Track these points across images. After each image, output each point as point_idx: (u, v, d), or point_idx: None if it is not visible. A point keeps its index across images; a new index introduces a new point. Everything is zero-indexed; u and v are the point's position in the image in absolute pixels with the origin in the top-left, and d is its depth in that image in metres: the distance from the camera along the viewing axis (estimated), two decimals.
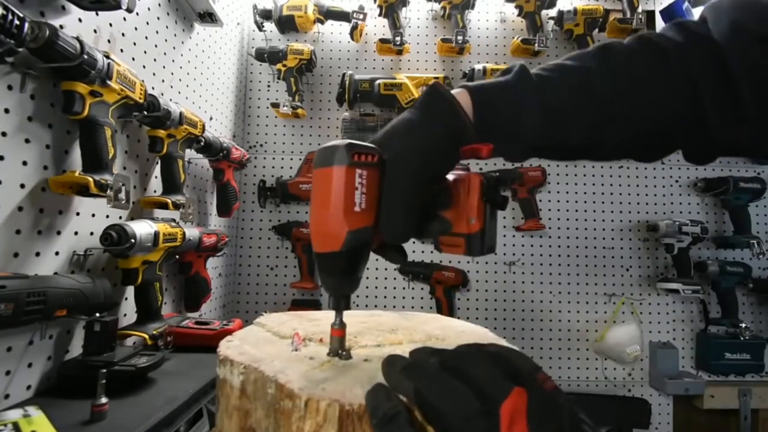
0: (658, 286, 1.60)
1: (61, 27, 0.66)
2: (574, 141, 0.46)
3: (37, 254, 0.66)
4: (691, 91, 0.43)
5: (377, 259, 1.59)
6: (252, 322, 0.52)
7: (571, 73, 0.46)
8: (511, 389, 0.23)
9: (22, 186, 0.63)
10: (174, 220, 0.92)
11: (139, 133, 0.93)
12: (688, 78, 0.43)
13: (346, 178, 0.35)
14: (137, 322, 0.86)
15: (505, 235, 1.65)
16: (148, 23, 0.97)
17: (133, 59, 0.91)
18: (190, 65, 1.19)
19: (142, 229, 0.77)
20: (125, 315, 0.87)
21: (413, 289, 1.62)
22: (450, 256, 1.60)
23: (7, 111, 0.60)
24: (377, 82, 1.55)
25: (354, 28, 1.58)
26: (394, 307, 1.61)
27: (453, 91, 0.43)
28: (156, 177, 1.00)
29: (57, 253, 0.70)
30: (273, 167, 1.67)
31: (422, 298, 1.62)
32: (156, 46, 1.00)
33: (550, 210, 1.66)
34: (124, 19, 0.87)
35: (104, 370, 0.58)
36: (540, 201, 1.64)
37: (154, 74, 1.00)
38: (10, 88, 0.61)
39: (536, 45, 1.60)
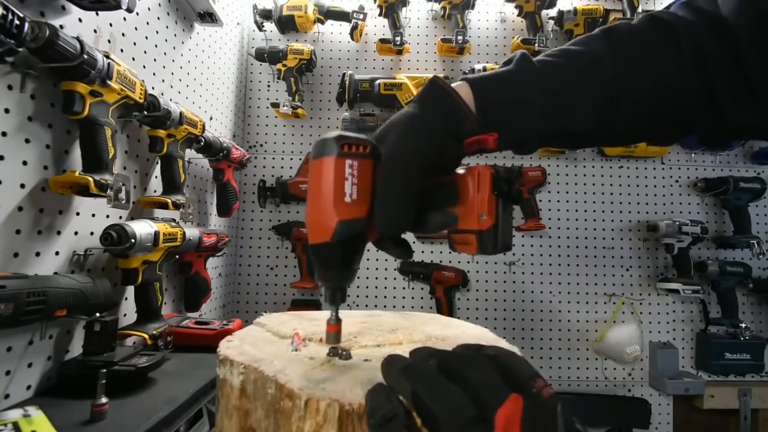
0: (658, 286, 1.60)
1: (61, 27, 0.66)
2: (583, 126, 0.44)
3: (37, 254, 0.66)
4: (702, 69, 0.42)
5: (377, 259, 1.60)
6: (252, 322, 0.52)
7: (576, 57, 0.45)
8: (507, 395, 0.23)
9: (22, 186, 0.63)
10: (174, 220, 0.92)
11: (139, 133, 0.93)
12: (698, 55, 0.42)
13: (335, 168, 0.35)
14: (137, 322, 0.86)
15: None
16: (148, 23, 0.97)
17: (133, 59, 0.91)
18: (190, 65, 1.19)
19: (142, 229, 0.78)
20: (125, 315, 0.87)
21: (413, 289, 1.62)
22: (450, 255, 1.60)
23: (7, 111, 0.60)
24: (377, 82, 1.55)
25: (354, 28, 1.58)
26: (394, 307, 1.61)
27: (454, 85, 0.42)
28: (156, 177, 1.00)
29: (57, 253, 0.70)
30: (273, 167, 1.67)
31: (422, 298, 1.62)
32: (156, 46, 1.00)
33: (550, 210, 1.66)
34: (124, 19, 0.87)
35: (104, 370, 0.58)
36: (540, 201, 1.64)
37: (154, 74, 1.00)
38: (10, 88, 0.61)
39: (536, 45, 1.60)
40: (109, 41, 0.81)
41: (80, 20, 0.74)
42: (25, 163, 0.63)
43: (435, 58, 1.72)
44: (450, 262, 1.59)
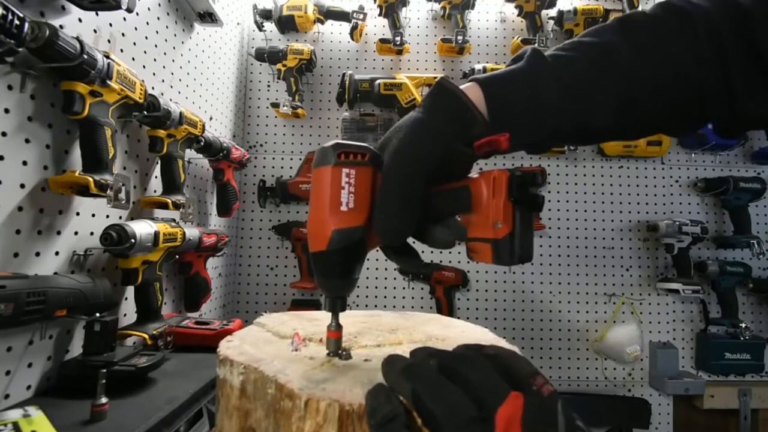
0: (658, 286, 1.60)
1: (61, 27, 0.66)
2: (601, 121, 0.42)
3: (37, 254, 0.66)
4: (719, 56, 0.40)
5: (377, 259, 1.60)
6: (252, 322, 0.52)
7: (590, 49, 0.43)
8: (507, 394, 0.23)
9: (22, 186, 0.63)
10: (174, 220, 0.92)
11: (139, 133, 0.93)
12: (715, 42, 0.40)
13: (331, 177, 0.35)
14: (137, 322, 0.86)
15: None
16: (148, 23, 0.97)
17: (133, 59, 0.91)
18: (190, 65, 1.19)
19: (142, 229, 0.78)
20: (125, 315, 0.87)
21: (413, 289, 1.62)
22: (450, 256, 1.60)
23: (7, 111, 0.60)
24: (377, 82, 1.55)
25: (354, 28, 1.58)
26: (394, 307, 1.61)
27: (463, 86, 0.41)
28: (156, 177, 1.00)
29: (57, 253, 0.70)
30: (273, 167, 1.67)
31: (422, 298, 1.62)
32: (156, 46, 1.00)
33: (550, 210, 1.66)
34: (124, 19, 0.87)
35: (104, 370, 0.58)
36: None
37: (154, 74, 1.00)
38: (10, 88, 0.61)
39: (536, 45, 1.60)
40: (109, 41, 0.81)
41: (80, 20, 0.74)
42: (25, 163, 0.63)
43: (435, 58, 1.72)
44: (450, 262, 1.59)
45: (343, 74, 1.57)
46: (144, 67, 0.95)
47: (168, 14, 1.06)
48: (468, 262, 1.62)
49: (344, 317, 0.39)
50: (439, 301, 1.54)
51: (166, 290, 1.02)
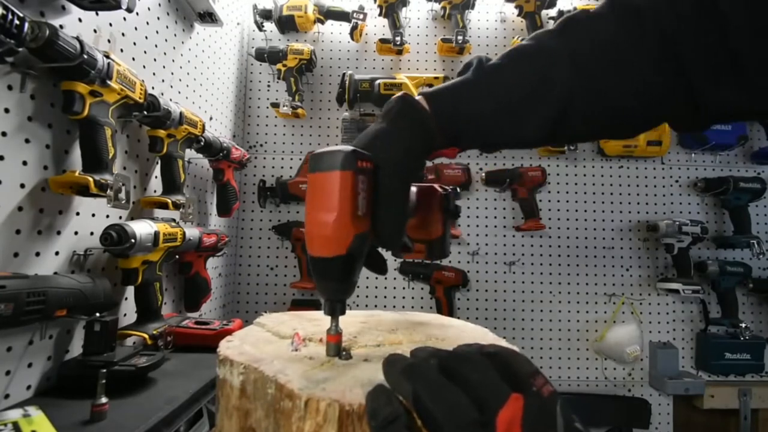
0: (658, 286, 1.60)
1: (61, 27, 0.66)
2: (533, 136, 0.44)
3: (37, 254, 0.66)
4: (671, 53, 0.38)
5: None
6: (252, 322, 0.52)
7: (528, 59, 0.43)
8: (508, 396, 0.23)
9: (22, 186, 0.63)
10: (174, 220, 0.92)
11: (139, 133, 0.93)
12: (666, 38, 0.38)
13: (351, 182, 0.36)
14: (137, 322, 0.86)
15: (505, 235, 1.65)
16: (148, 23, 0.97)
17: (133, 59, 0.91)
18: (190, 65, 1.19)
19: (142, 229, 0.78)
20: (125, 315, 0.87)
21: (413, 289, 1.62)
22: (450, 255, 1.60)
23: (7, 111, 0.60)
24: (377, 82, 1.55)
25: (354, 28, 1.58)
26: (394, 307, 1.61)
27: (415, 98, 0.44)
28: (156, 177, 1.00)
29: (57, 253, 0.70)
30: (273, 167, 1.67)
31: (422, 298, 1.62)
32: (156, 46, 1.00)
33: (550, 210, 1.66)
34: (124, 19, 0.87)
35: (104, 370, 0.58)
36: (540, 201, 1.64)
37: (154, 74, 1.00)
38: (10, 88, 0.61)
39: None
40: (109, 41, 0.81)
41: (80, 20, 0.74)
42: (25, 163, 0.63)
43: (435, 58, 1.72)
44: (450, 262, 1.60)
45: (343, 74, 1.57)
46: (144, 67, 0.95)
47: (168, 14, 1.06)
48: (468, 262, 1.62)
49: (344, 317, 0.39)
50: (439, 301, 1.54)
51: (166, 290, 1.02)
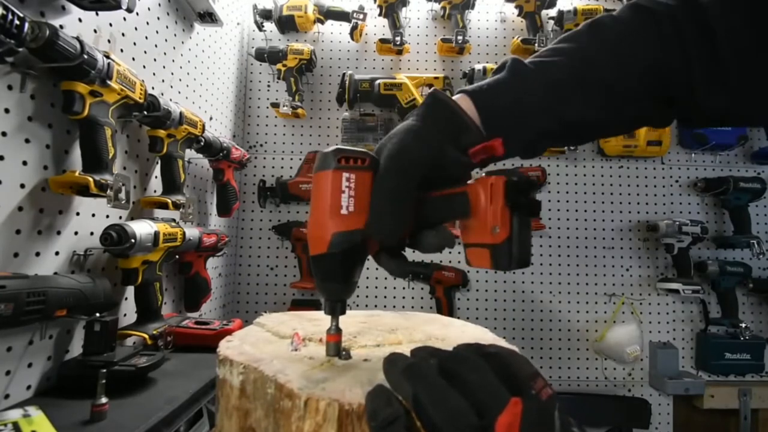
0: (658, 286, 1.60)
1: (61, 27, 0.66)
2: (584, 116, 0.45)
3: (37, 254, 0.66)
4: (682, 51, 0.43)
5: None
6: (252, 322, 0.52)
7: (566, 54, 0.45)
8: (507, 400, 0.23)
9: (22, 186, 0.63)
10: (174, 220, 0.92)
11: (139, 133, 0.93)
12: (679, 37, 0.43)
13: (332, 181, 0.36)
14: (137, 322, 0.86)
15: None
16: (148, 23, 0.97)
17: (133, 59, 0.91)
18: (190, 65, 1.19)
19: (142, 229, 0.78)
20: (125, 315, 0.87)
21: (413, 289, 1.62)
22: (450, 255, 1.60)
23: (7, 111, 0.60)
24: (377, 82, 1.55)
25: (354, 28, 1.58)
26: (394, 307, 1.61)
27: (453, 97, 0.43)
28: (156, 177, 1.00)
29: (57, 253, 0.70)
30: (273, 167, 1.67)
31: (422, 298, 1.62)
32: (156, 46, 1.00)
33: (550, 210, 1.66)
34: (124, 19, 0.87)
35: (104, 370, 0.58)
36: (540, 201, 1.63)
37: (154, 74, 1.00)
38: (10, 88, 0.61)
39: (536, 45, 1.60)
40: (109, 41, 0.81)
41: (80, 20, 0.74)
42: (25, 163, 0.63)
43: (435, 58, 1.72)
44: (450, 262, 1.59)
45: (343, 74, 1.57)
46: (144, 67, 0.95)
47: (168, 14, 1.06)
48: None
49: (344, 317, 0.39)
50: (439, 301, 1.54)
51: (166, 290, 1.02)
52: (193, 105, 1.21)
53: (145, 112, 0.83)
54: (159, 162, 0.98)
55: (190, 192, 1.20)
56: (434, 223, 0.39)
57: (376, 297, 1.62)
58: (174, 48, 1.09)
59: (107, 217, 0.81)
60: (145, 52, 0.96)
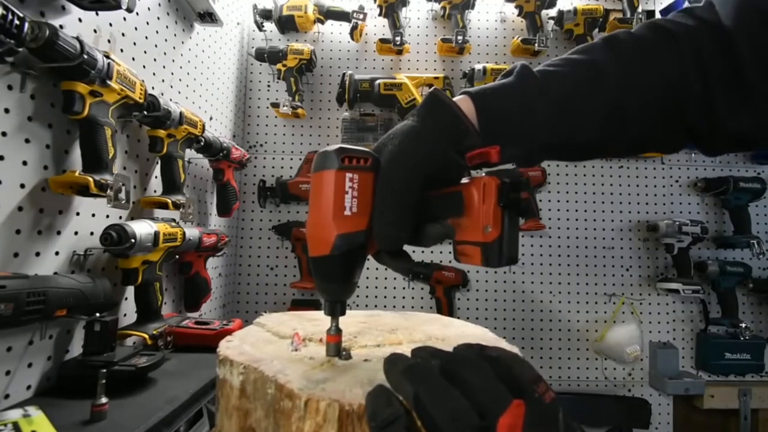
0: (658, 286, 1.60)
1: (61, 27, 0.66)
2: (586, 135, 0.44)
3: (37, 254, 0.66)
4: (702, 73, 0.42)
5: None
6: (252, 322, 0.52)
7: (578, 65, 0.44)
8: (509, 402, 0.23)
9: (22, 186, 0.63)
10: (174, 220, 0.92)
11: (139, 133, 0.93)
12: (697, 59, 0.42)
13: (335, 181, 0.35)
14: (137, 322, 0.86)
15: None
16: (148, 23, 0.97)
17: (133, 59, 0.91)
18: (190, 65, 1.19)
19: (142, 229, 0.78)
20: (125, 315, 0.87)
21: (413, 289, 1.62)
22: (450, 255, 1.60)
23: (7, 111, 0.60)
24: (377, 82, 1.55)
25: (354, 28, 1.58)
26: (394, 307, 1.61)
27: (455, 98, 0.42)
28: (156, 177, 1.00)
29: (57, 253, 0.70)
30: (273, 167, 1.67)
31: (422, 298, 1.62)
32: (156, 46, 1.00)
33: (550, 210, 1.66)
34: (124, 19, 0.87)
35: (104, 370, 0.58)
36: (540, 201, 1.64)
37: (154, 74, 1.00)
38: (10, 88, 0.61)
39: (536, 45, 1.60)
40: (109, 41, 0.81)
41: (80, 20, 0.74)
42: (25, 163, 0.63)
43: (435, 58, 1.72)
44: (450, 262, 1.59)
45: (343, 74, 1.57)
46: (144, 67, 0.95)
47: (168, 14, 1.06)
48: None
49: (344, 317, 0.39)
50: (439, 301, 1.54)
51: (166, 290, 1.02)
52: (193, 105, 1.21)
53: (145, 112, 0.83)
54: (159, 162, 0.98)
55: (190, 192, 1.20)
56: (429, 221, 0.39)
57: (376, 297, 1.62)
58: (174, 48, 1.09)
59: (107, 217, 0.81)
60: (145, 52, 0.96)
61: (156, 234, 0.81)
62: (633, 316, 1.62)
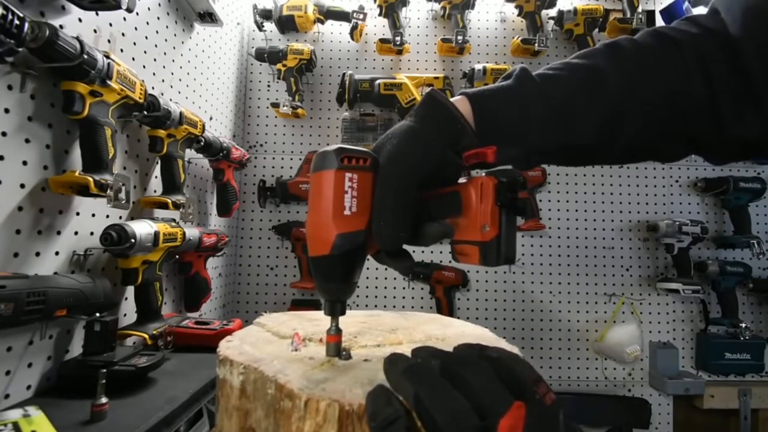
0: (658, 286, 1.60)
1: (61, 27, 0.66)
2: (584, 140, 0.43)
3: (37, 254, 0.66)
4: (706, 81, 0.41)
5: None
6: (252, 322, 0.52)
7: (578, 70, 0.44)
8: (510, 404, 0.23)
9: (22, 186, 0.63)
10: (174, 220, 0.92)
11: (139, 133, 0.93)
12: (701, 66, 0.42)
13: (335, 181, 0.35)
14: (137, 322, 0.86)
15: None
16: (148, 23, 0.97)
17: (133, 59, 0.91)
18: (190, 65, 1.19)
19: (142, 229, 0.78)
20: (125, 315, 0.87)
21: (413, 289, 1.62)
22: (450, 255, 1.60)
23: (7, 111, 0.60)
24: (377, 82, 1.55)
25: (354, 28, 1.58)
26: (394, 307, 1.61)
27: (453, 99, 0.42)
28: (156, 177, 1.00)
29: (57, 253, 0.70)
30: (273, 167, 1.67)
31: (422, 298, 1.62)
32: (156, 46, 1.00)
33: (550, 210, 1.66)
34: (124, 19, 0.87)
35: (104, 370, 0.58)
36: (540, 201, 1.64)
37: (154, 74, 1.00)
38: (10, 88, 0.61)
39: (536, 45, 1.60)
40: (109, 41, 0.81)
41: (80, 20, 0.74)
42: (25, 163, 0.63)
43: (435, 58, 1.72)
44: (450, 262, 1.59)
45: (343, 74, 1.57)
46: (144, 67, 0.95)
47: (168, 14, 1.06)
48: None
49: (344, 317, 0.39)
50: (439, 301, 1.54)
51: (166, 290, 1.02)
52: (193, 105, 1.21)
53: (145, 112, 0.83)
54: (159, 162, 0.98)
55: (190, 192, 1.20)
56: (428, 220, 0.39)
57: (376, 297, 1.62)
58: (174, 48, 1.09)
59: (107, 217, 0.81)
60: (145, 52, 0.96)
61: (156, 234, 0.81)
62: (633, 316, 1.62)
